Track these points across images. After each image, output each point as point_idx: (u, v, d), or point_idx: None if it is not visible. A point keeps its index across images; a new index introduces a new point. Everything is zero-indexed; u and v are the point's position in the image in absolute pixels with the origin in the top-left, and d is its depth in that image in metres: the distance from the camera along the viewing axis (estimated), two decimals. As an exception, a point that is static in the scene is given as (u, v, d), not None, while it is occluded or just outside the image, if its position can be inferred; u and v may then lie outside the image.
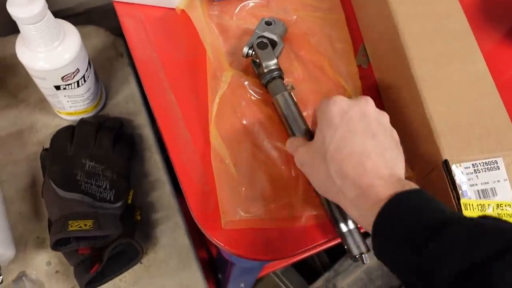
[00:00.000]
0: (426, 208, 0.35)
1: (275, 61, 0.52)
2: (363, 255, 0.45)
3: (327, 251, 1.18)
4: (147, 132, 0.68)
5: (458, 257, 0.30)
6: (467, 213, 0.41)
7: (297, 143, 0.46)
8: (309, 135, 0.47)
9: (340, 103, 0.41)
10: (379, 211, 0.35)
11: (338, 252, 1.17)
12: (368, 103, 0.42)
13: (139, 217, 0.60)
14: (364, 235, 0.46)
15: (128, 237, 0.57)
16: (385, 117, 0.42)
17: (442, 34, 0.50)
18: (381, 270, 1.14)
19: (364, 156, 0.38)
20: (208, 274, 1.01)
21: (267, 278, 1.16)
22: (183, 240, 0.62)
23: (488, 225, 0.32)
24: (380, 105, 0.55)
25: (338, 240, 0.48)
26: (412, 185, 0.36)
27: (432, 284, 0.31)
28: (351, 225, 0.45)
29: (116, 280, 0.58)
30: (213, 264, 1.04)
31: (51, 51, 0.54)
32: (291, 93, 0.51)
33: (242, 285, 1.00)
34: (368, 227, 0.37)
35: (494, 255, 0.29)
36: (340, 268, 1.11)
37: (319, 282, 1.10)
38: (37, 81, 0.58)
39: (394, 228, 0.34)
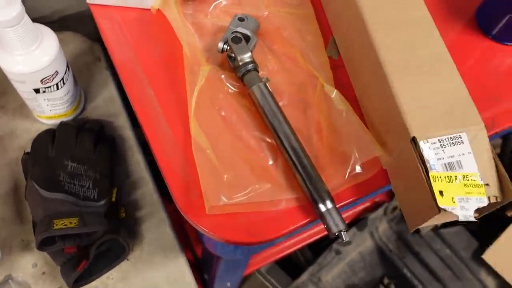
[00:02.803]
0: None
1: (249, 54, 0.54)
2: (342, 232, 0.47)
3: (310, 247, 1.20)
4: (128, 133, 0.69)
5: None
6: (436, 185, 0.44)
7: None
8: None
9: None
10: None
11: (322, 248, 1.20)
12: None
13: (123, 214, 0.61)
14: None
15: (114, 233, 0.58)
16: None
17: (405, 22, 0.53)
18: (363, 262, 1.17)
19: None
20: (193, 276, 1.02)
21: (253, 278, 1.17)
22: (168, 235, 0.63)
23: None
24: (351, 91, 0.57)
25: (320, 235, 0.50)
26: None
27: None
28: (329, 204, 0.47)
29: (104, 277, 0.59)
30: (199, 266, 1.04)
31: (30, 54, 0.55)
32: (267, 84, 0.53)
33: (228, 284, 1.02)
34: None
35: None
36: (324, 261, 1.13)
37: (304, 276, 1.12)
38: (16, 85, 0.59)
39: None
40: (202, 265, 1.01)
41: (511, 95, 0.60)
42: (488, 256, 1.18)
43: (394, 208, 1.21)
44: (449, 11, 0.66)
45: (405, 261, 1.18)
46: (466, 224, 1.25)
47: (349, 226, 1.20)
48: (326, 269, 1.12)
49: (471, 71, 0.61)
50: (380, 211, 1.20)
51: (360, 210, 1.21)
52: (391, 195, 1.24)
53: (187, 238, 1.04)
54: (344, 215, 0.48)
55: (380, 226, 1.20)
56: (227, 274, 0.94)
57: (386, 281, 1.16)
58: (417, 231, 1.20)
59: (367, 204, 1.22)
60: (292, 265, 1.21)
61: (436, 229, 1.22)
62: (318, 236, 1.09)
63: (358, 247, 1.15)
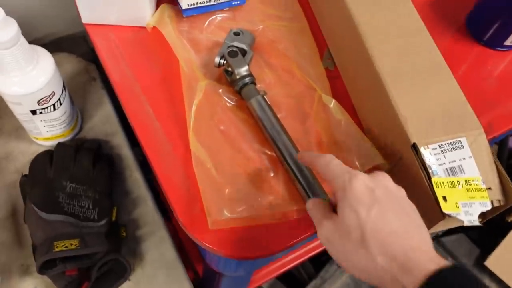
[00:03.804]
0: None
1: (246, 67, 0.54)
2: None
3: (311, 261, 1.19)
4: (126, 152, 0.69)
5: None
6: (439, 190, 0.44)
7: (320, 212, 0.41)
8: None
9: (363, 180, 0.39)
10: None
11: (323, 262, 1.19)
12: (388, 179, 0.40)
13: (124, 234, 0.60)
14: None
15: (115, 253, 0.57)
16: (403, 192, 0.41)
17: (399, 31, 0.54)
18: (366, 274, 1.15)
19: (406, 234, 0.37)
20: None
21: (255, 294, 1.15)
22: (170, 253, 0.62)
23: None
24: (348, 101, 0.57)
25: (321, 248, 0.48)
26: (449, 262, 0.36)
27: None
28: (332, 214, 0.47)
29: (106, 299, 0.58)
30: (200, 285, 1.03)
31: (26, 75, 0.55)
32: (264, 96, 0.53)
33: (231, 302, 1.00)
34: None
35: None
36: (326, 274, 1.12)
37: (307, 290, 1.11)
38: (13, 107, 0.59)
39: None
40: (203, 283, 0.99)
41: (506, 99, 0.61)
42: (491, 262, 1.18)
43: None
44: (439, 19, 0.67)
45: (408, 271, 1.17)
46: (467, 231, 1.25)
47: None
48: (329, 282, 1.11)
49: (465, 77, 0.62)
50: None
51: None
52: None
53: (187, 257, 1.02)
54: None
55: (381, 237, 1.19)
56: (230, 292, 0.92)
57: (390, 292, 1.15)
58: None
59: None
60: (294, 281, 1.20)
61: (437, 237, 1.21)
62: (319, 250, 1.08)
63: (360, 259, 1.14)
